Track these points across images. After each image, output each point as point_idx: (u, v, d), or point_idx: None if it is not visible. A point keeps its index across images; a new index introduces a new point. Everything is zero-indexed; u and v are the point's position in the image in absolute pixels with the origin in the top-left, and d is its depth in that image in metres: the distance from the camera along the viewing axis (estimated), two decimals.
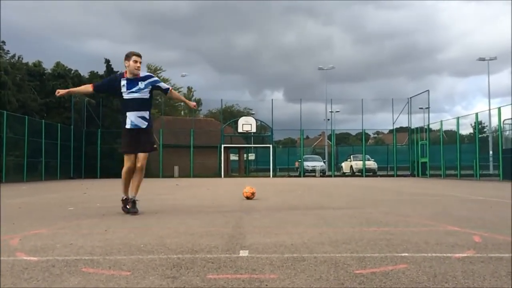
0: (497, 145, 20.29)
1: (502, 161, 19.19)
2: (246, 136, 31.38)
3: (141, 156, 5.41)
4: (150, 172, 29.36)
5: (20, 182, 19.31)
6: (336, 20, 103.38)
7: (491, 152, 23.61)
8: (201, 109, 54.35)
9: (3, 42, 27.65)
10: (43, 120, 23.73)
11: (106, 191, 11.76)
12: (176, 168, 29.11)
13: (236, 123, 30.67)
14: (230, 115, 47.16)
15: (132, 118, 5.33)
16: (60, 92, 5.53)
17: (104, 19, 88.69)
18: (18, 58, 28.37)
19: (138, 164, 5.42)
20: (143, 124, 5.37)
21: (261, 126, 31.64)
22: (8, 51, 28.00)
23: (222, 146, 29.32)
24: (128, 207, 5.43)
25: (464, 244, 3.29)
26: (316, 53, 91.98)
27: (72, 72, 30.19)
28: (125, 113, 5.37)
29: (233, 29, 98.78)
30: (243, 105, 53.90)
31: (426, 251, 3.02)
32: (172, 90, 5.75)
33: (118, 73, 5.64)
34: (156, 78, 5.60)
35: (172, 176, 27.99)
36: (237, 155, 36.44)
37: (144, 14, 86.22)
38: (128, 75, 5.37)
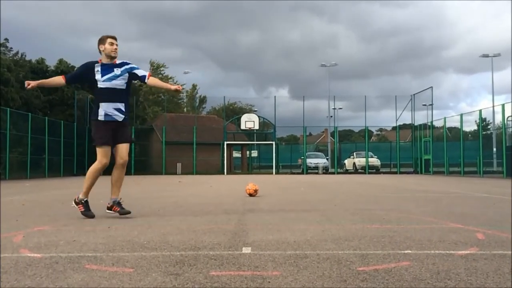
0: (500, 142, 20.22)
1: (506, 158, 19.12)
2: (249, 133, 31.38)
3: (124, 148, 4.81)
4: (153, 169, 29.48)
5: (24, 179, 19.38)
6: (342, 18, 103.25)
7: (494, 149, 23.53)
8: (205, 106, 54.36)
9: (6, 40, 27.75)
10: (46, 117, 23.76)
11: (109, 188, 11.78)
12: (179, 165, 29.13)
13: (239, 120, 30.66)
14: (232, 112, 47.11)
15: (106, 109, 4.73)
16: (31, 84, 4.71)
17: (107, 17, 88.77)
18: (21, 55, 28.47)
19: (121, 160, 4.80)
20: (119, 117, 4.79)
21: (264, 123, 31.61)
22: (11, 48, 28.10)
23: (225, 143, 29.33)
24: (115, 210, 4.82)
25: (467, 241, 3.28)
26: (321, 51, 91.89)
27: (75, 69, 30.27)
28: (98, 103, 4.75)
29: (237, 27, 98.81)
30: (248, 102, 53.80)
31: (429, 248, 3.02)
32: (151, 77, 4.98)
33: (93, 61, 4.90)
34: (133, 65, 4.93)
35: (175, 173, 28.02)
36: (240, 152, 36.45)
37: (147, 11, 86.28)
38: (103, 61, 4.81)
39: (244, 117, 29.88)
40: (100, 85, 4.76)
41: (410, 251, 2.91)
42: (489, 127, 30.14)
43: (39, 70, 28.40)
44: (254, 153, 37.99)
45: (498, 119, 22.60)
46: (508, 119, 19.91)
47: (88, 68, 4.83)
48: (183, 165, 29.21)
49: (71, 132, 25.76)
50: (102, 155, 4.78)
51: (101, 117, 4.75)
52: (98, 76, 4.76)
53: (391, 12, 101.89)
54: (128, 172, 27.76)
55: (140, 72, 4.93)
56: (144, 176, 23.78)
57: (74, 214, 5.26)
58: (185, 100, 53.43)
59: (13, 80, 24.27)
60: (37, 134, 21.80)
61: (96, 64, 4.81)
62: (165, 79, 48.71)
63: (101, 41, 4.84)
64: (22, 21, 70.39)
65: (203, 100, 54.18)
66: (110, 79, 4.77)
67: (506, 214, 5.02)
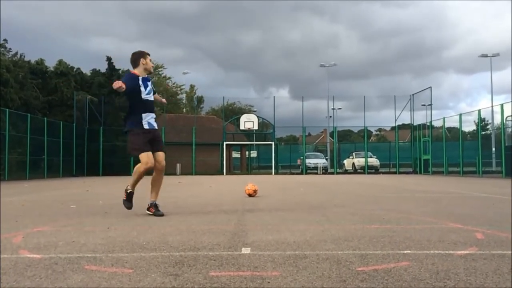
0: (499, 142, 20.24)
1: (505, 158, 19.14)
2: (248, 133, 31.39)
3: (162, 155, 5.36)
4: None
5: (23, 179, 19.36)
6: (342, 18, 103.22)
7: (493, 149, 23.56)
8: (203, 107, 54.37)
9: (5, 40, 27.71)
10: (46, 118, 23.75)
11: (108, 188, 11.79)
12: (178, 166, 29.12)
13: (238, 120, 30.68)
14: (232, 112, 47.12)
15: (149, 119, 5.21)
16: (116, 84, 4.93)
17: (107, 17, 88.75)
18: (21, 56, 28.42)
19: (162, 164, 5.34)
20: (156, 125, 5.35)
21: (263, 124, 31.62)
22: (10, 49, 28.05)
23: (224, 143, 29.33)
24: (151, 211, 5.14)
25: (467, 241, 3.28)
26: (321, 51, 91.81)
27: (75, 69, 30.23)
28: (140, 114, 5.16)
29: (237, 27, 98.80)
30: (247, 102, 53.73)
31: (428, 248, 3.02)
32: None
33: (127, 72, 5.41)
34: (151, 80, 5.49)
35: (174, 174, 28.01)
36: (239, 152, 36.45)
37: (148, 11, 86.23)
38: (141, 74, 5.21)
39: (243, 118, 29.90)
40: (144, 97, 5.19)
41: (409, 251, 2.91)
42: (488, 127, 30.15)
43: (39, 70, 28.37)
44: (254, 154, 38.01)
45: (498, 119, 22.60)
46: (507, 119, 19.93)
47: (134, 78, 5.17)
48: (183, 165, 29.20)
49: (70, 133, 25.74)
50: (146, 159, 5.13)
51: (145, 126, 5.17)
52: (142, 88, 5.18)
53: (391, 12, 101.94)
54: (127, 172, 27.71)
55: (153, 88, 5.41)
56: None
57: (73, 214, 5.26)
58: (184, 101, 53.46)
59: (12, 81, 24.24)
60: (36, 135, 21.79)
61: (137, 77, 5.18)
62: (164, 79, 48.80)
63: (143, 55, 5.27)
64: (22, 21, 70.38)
65: (200, 100, 54.20)
66: (149, 92, 5.25)
67: (505, 214, 5.02)
